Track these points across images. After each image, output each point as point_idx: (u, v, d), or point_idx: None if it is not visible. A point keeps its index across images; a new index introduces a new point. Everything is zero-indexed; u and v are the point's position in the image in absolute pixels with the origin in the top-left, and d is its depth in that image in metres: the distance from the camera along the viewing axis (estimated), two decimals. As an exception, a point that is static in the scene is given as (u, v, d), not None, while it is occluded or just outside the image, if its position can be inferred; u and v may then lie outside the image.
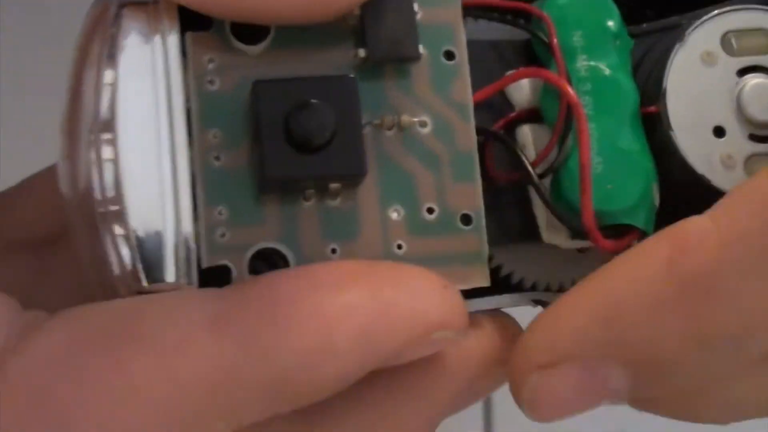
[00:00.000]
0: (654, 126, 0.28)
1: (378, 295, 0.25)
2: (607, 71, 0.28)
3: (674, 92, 0.27)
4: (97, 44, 0.26)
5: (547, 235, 0.28)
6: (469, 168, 0.28)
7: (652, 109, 0.28)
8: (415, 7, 0.27)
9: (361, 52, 0.27)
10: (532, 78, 0.28)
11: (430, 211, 0.27)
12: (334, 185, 0.27)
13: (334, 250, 0.27)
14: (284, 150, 0.26)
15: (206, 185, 0.26)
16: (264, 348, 0.24)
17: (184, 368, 0.24)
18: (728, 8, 0.28)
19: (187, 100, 0.27)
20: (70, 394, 0.23)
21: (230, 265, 0.26)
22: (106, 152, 0.26)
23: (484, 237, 0.27)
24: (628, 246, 0.27)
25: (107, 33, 0.26)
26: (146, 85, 0.26)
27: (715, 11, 0.28)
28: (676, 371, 0.25)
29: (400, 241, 0.27)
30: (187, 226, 0.26)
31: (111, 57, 0.26)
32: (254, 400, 0.24)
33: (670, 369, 0.25)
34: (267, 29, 0.27)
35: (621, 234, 0.27)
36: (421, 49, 0.27)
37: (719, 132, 0.27)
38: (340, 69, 0.27)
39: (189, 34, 0.27)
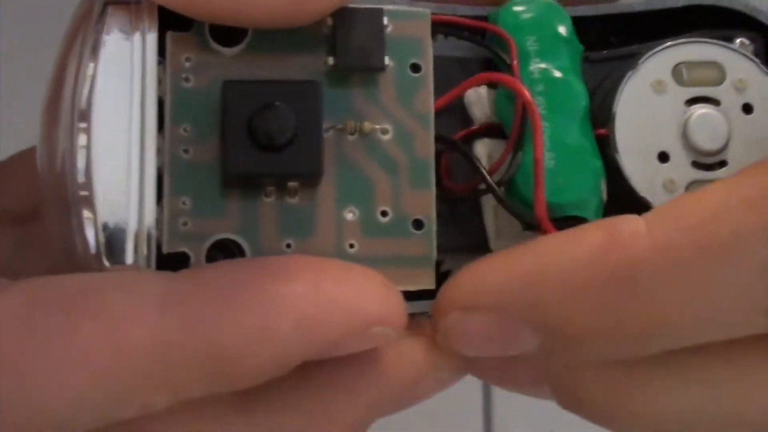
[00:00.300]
0: (603, 147, 0.29)
1: (321, 287, 0.26)
2: (559, 73, 0.29)
3: (623, 117, 0.29)
4: (81, 39, 0.28)
5: (494, 244, 0.29)
6: (425, 175, 0.29)
7: (602, 131, 0.29)
8: (385, 20, 0.29)
9: (330, 60, 0.29)
10: (489, 84, 0.29)
11: (384, 214, 0.29)
12: (292, 183, 0.28)
13: (289, 245, 0.28)
14: (246, 147, 0.27)
15: (173, 176, 0.28)
16: (207, 326, 0.25)
17: (129, 338, 0.25)
18: (682, 40, 0.29)
19: (163, 95, 0.28)
20: (19, 350, 0.25)
21: (189, 252, 0.28)
22: (81, 140, 0.27)
23: (434, 242, 0.29)
24: None
25: (91, 29, 0.28)
26: (123, 80, 0.27)
27: (669, 42, 0.29)
28: (581, 350, 0.27)
29: (352, 241, 0.29)
30: (150, 214, 0.27)
31: (93, 51, 0.27)
32: (193, 376, 0.25)
33: (576, 346, 0.27)
34: (244, 33, 0.28)
35: (571, 226, 0.28)
36: (388, 60, 0.29)
37: (663, 157, 0.29)
38: (310, 74, 0.29)
39: (169, 34, 0.28)
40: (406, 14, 0.29)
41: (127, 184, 0.27)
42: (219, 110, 0.28)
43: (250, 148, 0.27)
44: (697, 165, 0.29)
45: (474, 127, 0.30)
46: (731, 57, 0.29)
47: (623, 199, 0.29)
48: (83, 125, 0.27)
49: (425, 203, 0.29)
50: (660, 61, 0.29)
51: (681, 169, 0.29)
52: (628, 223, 0.26)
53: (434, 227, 0.29)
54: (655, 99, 0.29)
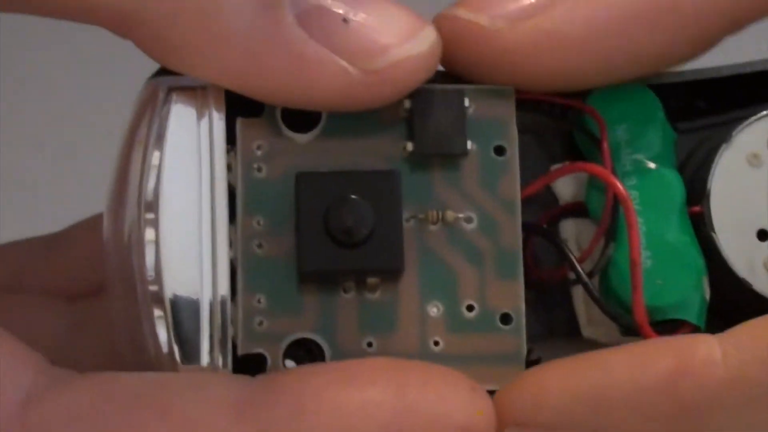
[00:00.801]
0: (698, 226, 0.27)
1: (403, 394, 0.25)
2: (653, 164, 0.28)
3: (718, 193, 0.27)
4: (145, 126, 0.27)
5: (587, 331, 0.28)
6: (513, 266, 0.27)
7: (696, 209, 0.27)
8: (466, 101, 0.27)
9: (409, 146, 0.27)
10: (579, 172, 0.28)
11: (470, 308, 0.27)
12: (372, 279, 0.27)
13: (370, 344, 0.27)
14: (323, 243, 0.26)
15: (246, 272, 0.27)
16: None
17: None
18: None
19: (234, 185, 0.27)
20: None
21: (265, 353, 0.27)
22: (149, 233, 0.26)
23: (523, 338, 0.27)
24: None
25: (156, 115, 0.27)
26: (191, 169, 0.27)
27: (763, 112, 0.28)
28: None
29: (437, 338, 0.27)
30: (225, 312, 0.26)
31: (158, 139, 0.27)
32: None
33: None
34: (318, 118, 0.27)
35: (673, 329, 0.27)
36: (471, 144, 0.27)
37: (763, 235, 0.27)
38: (388, 160, 0.27)
39: (239, 120, 0.27)
40: (489, 92, 0.28)
41: (200, 279, 0.26)
42: (293, 203, 0.27)
43: (327, 244, 0.26)
44: None
45: (557, 208, 0.29)
46: None
47: (722, 281, 0.27)
48: (150, 216, 0.26)
49: (513, 296, 0.27)
50: (754, 133, 0.28)
51: None
52: (702, 347, 0.25)
53: (523, 321, 0.27)
54: (750, 173, 0.28)
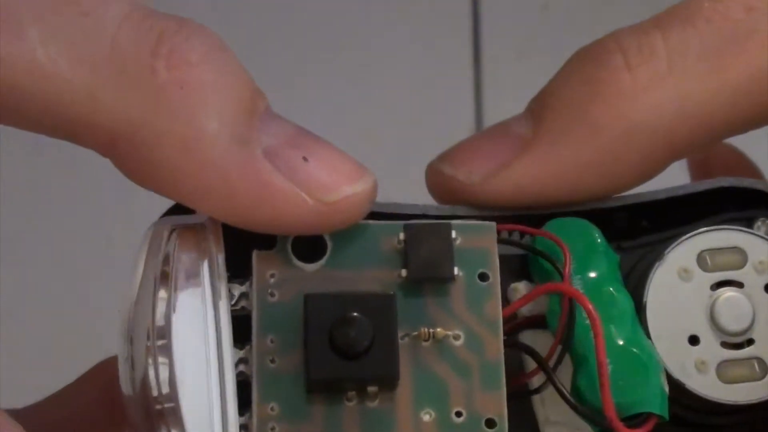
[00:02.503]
0: None
1: None
2: (600, 281, 0.32)
3: (653, 305, 0.32)
4: (152, 263, 0.31)
5: (544, 429, 0.32)
6: (496, 377, 0.31)
7: None
8: (453, 233, 0.31)
9: (403, 272, 0.31)
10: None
11: (459, 414, 0.31)
12: (371, 388, 0.30)
13: None
14: (328, 355, 0.30)
15: (260, 384, 0.30)
16: None
17: None
18: (704, 229, 0.32)
19: (249, 309, 0.31)
20: None
21: None
22: (161, 358, 0.30)
23: None
24: (649, 431, 0.30)
25: (161, 253, 0.30)
26: (197, 300, 0.30)
27: (693, 232, 0.32)
28: None
29: None
30: (233, 427, 0.30)
31: (165, 275, 0.30)
32: None
33: None
34: (324, 250, 0.31)
35: (641, 422, 0.31)
36: (458, 270, 0.31)
37: (694, 340, 0.31)
38: (385, 286, 0.31)
39: (255, 253, 0.31)
40: (473, 228, 0.32)
41: (209, 399, 0.30)
42: (302, 321, 0.30)
43: (332, 356, 0.30)
44: (726, 345, 0.32)
45: (518, 321, 0.32)
46: (751, 241, 0.32)
47: None
48: (162, 342, 0.30)
49: (497, 403, 0.31)
50: (685, 250, 0.32)
51: (711, 350, 0.31)
52: None
53: (506, 425, 0.31)
54: (682, 285, 0.32)
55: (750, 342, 0.32)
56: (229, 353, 0.30)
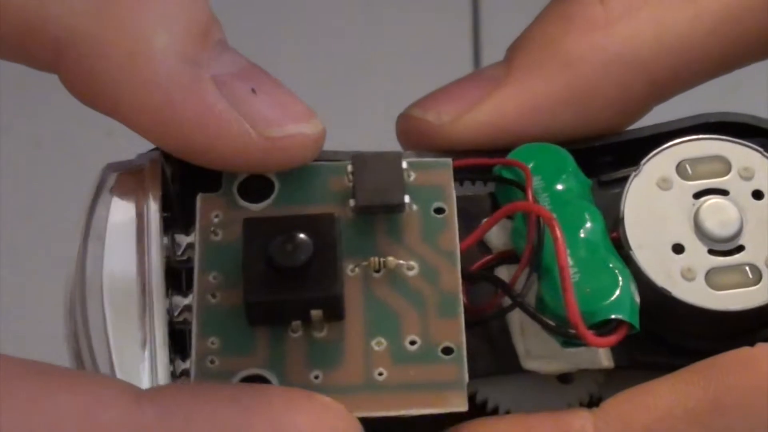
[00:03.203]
0: (619, 251, 0.29)
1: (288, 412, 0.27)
2: (568, 197, 0.30)
3: (631, 216, 0.29)
4: (92, 210, 0.30)
5: (525, 363, 0.30)
6: (453, 306, 0.29)
7: (614, 235, 0.29)
8: (405, 164, 0.30)
9: (351, 202, 0.30)
10: (506, 217, 0.30)
11: (413, 342, 0.29)
12: (315, 313, 0.29)
13: (317, 377, 0.29)
14: (266, 277, 0.28)
15: (201, 319, 0.29)
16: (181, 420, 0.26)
17: (103, 415, 0.26)
18: (682, 139, 0.30)
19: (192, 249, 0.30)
20: None
21: None
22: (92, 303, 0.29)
23: (464, 365, 0.29)
24: (619, 340, 0.28)
25: (99, 199, 0.30)
26: (129, 244, 0.29)
27: (669, 143, 0.30)
28: None
29: (381, 369, 0.29)
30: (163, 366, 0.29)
31: (103, 221, 0.30)
32: None
33: None
34: (271, 190, 0.30)
35: (610, 330, 0.28)
36: (413, 205, 0.30)
37: (678, 249, 0.29)
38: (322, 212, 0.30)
39: (200, 195, 0.30)
40: (429, 164, 0.30)
41: (141, 345, 0.29)
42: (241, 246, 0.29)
43: (270, 278, 0.28)
44: (714, 252, 0.29)
45: (490, 256, 0.31)
46: (734, 149, 0.30)
47: (647, 294, 0.29)
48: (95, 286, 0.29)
49: (455, 332, 0.29)
50: (662, 160, 0.30)
51: (698, 258, 0.29)
52: (578, 421, 0.27)
53: (464, 352, 0.29)
54: (661, 195, 0.30)
55: (740, 249, 0.29)
56: (161, 295, 0.29)
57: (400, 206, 0.30)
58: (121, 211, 0.30)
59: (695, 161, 0.30)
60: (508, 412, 0.30)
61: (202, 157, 0.29)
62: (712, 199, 0.29)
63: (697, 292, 0.28)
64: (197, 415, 0.26)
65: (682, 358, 0.28)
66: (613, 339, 0.28)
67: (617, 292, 0.28)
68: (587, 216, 0.29)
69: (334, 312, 0.29)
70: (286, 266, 0.28)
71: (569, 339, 0.28)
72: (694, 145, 0.30)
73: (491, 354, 0.30)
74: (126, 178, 0.30)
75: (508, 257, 0.31)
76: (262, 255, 0.28)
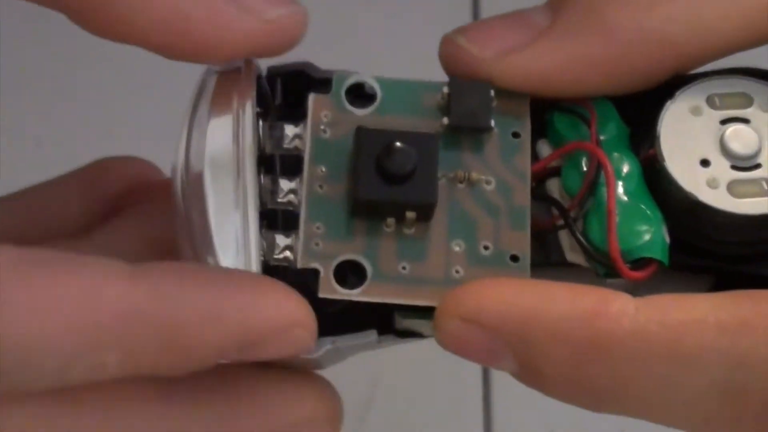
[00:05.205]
0: (654, 166, 0.35)
1: (259, 293, 0.31)
2: (610, 145, 0.35)
3: (666, 135, 0.35)
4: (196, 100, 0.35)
5: (570, 256, 0.35)
6: (522, 220, 0.34)
7: (651, 151, 0.35)
8: (491, 92, 0.35)
9: (445, 120, 0.35)
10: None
11: (486, 248, 0.34)
12: (410, 214, 0.34)
13: (404, 267, 0.34)
14: (374, 178, 0.33)
15: (309, 205, 0.34)
16: (170, 299, 0.30)
17: (101, 295, 0.29)
18: (714, 74, 0.35)
19: (303, 144, 0.35)
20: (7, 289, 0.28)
21: (319, 268, 0.33)
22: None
23: (528, 273, 0.34)
24: (651, 275, 0.34)
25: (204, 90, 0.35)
26: (227, 124, 0.34)
27: (703, 78, 0.35)
28: (547, 386, 0.32)
29: (458, 267, 0.33)
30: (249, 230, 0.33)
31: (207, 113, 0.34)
32: (148, 343, 0.29)
33: (544, 382, 0.32)
34: (374, 98, 0.35)
35: (642, 265, 0.34)
36: (495, 126, 0.35)
37: (705, 163, 0.34)
38: (425, 130, 0.35)
39: (311, 95, 0.35)
40: (510, 93, 0.35)
41: (235, 209, 0.33)
42: (352, 150, 0.34)
43: (378, 180, 0.33)
44: (735, 168, 0.34)
45: (546, 168, 0.36)
46: (758, 87, 0.35)
47: (675, 201, 0.34)
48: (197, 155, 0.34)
49: (522, 242, 0.34)
50: (695, 92, 0.35)
51: (722, 171, 0.34)
52: (620, 300, 0.31)
53: (528, 261, 0.34)
54: (693, 119, 0.35)
55: (758, 166, 0.34)
56: (253, 174, 0.33)
57: (487, 129, 0.35)
58: (218, 110, 0.34)
59: (723, 95, 0.35)
60: None
61: (217, 53, 0.32)
62: (737, 125, 0.35)
63: (720, 198, 0.34)
64: (181, 294, 0.30)
65: (712, 261, 0.34)
66: (645, 273, 0.33)
67: (651, 235, 0.34)
68: (627, 165, 0.35)
69: (426, 215, 0.34)
70: (394, 172, 0.33)
71: (609, 271, 0.33)
72: (723, 81, 0.35)
73: (538, 247, 0.35)
74: (224, 78, 0.34)
75: (553, 172, 0.36)
76: (372, 160, 0.33)
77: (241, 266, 0.32)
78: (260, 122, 0.35)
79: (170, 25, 0.31)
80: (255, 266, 0.32)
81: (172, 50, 0.32)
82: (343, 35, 0.69)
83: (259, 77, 0.35)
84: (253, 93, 0.34)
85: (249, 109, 0.33)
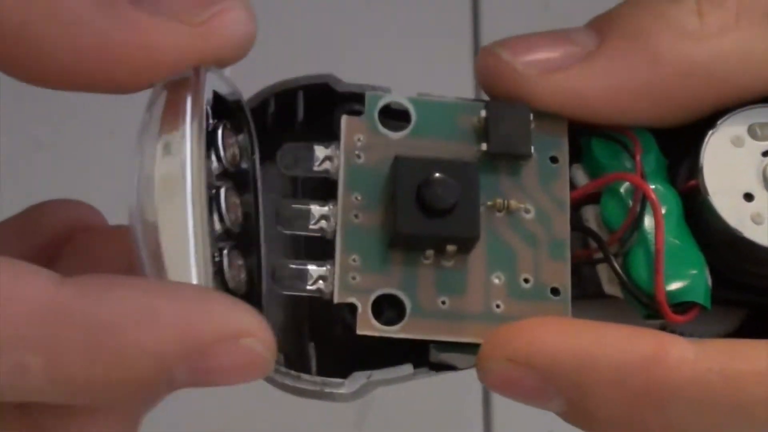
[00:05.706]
0: (695, 198, 0.34)
1: (204, 301, 0.29)
2: (649, 178, 0.34)
3: (709, 167, 0.34)
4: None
5: (608, 288, 0.34)
6: (562, 251, 0.33)
7: (693, 182, 0.34)
8: (531, 116, 0.33)
9: (483, 146, 0.33)
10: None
11: (527, 280, 0.33)
12: (450, 247, 0.32)
13: (444, 302, 0.33)
14: (414, 211, 0.32)
15: (344, 236, 0.33)
16: (97, 298, 0.28)
17: (25, 292, 0.28)
18: (755, 105, 0.35)
19: (336, 170, 0.33)
20: None
21: (356, 303, 0.32)
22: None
23: (569, 307, 0.33)
24: (693, 318, 0.33)
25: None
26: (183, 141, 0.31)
27: (743, 108, 0.35)
28: (596, 430, 0.31)
29: (498, 302, 0.33)
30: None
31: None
32: (74, 345, 0.28)
33: (594, 426, 0.31)
34: (408, 121, 0.34)
35: (684, 310, 0.33)
36: (532, 150, 0.34)
37: (749, 197, 0.34)
38: (464, 158, 0.33)
39: (344, 117, 0.34)
40: (547, 116, 0.34)
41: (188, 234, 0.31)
42: (390, 180, 0.32)
43: (418, 213, 0.32)
44: None
45: (588, 193, 0.35)
46: None
47: (715, 234, 0.34)
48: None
49: (562, 274, 0.33)
50: (736, 122, 0.34)
51: (766, 205, 0.34)
52: (679, 346, 0.30)
53: (569, 295, 0.33)
54: (734, 151, 0.34)
55: None
56: (201, 187, 0.31)
57: (527, 156, 0.33)
58: (165, 128, 0.31)
59: (764, 125, 0.34)
60: None
61: (151, 70, 0.31)
62: None
63: (765, 235, 0.33)
64: (110, 294, 0.28)
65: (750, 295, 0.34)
66: (688, 317, 0.33)
67: (696, 278, 0.33)
68: (669, 199, 0.34)
69: (467, 248, 0.33)
70: (436, 206, 0.32)
71: (653, 313, 0.33)
72: (763, 111, 0.35)
73: (576, 279, 0.34)
74: (171, 91, 0.31)
75: (594, 199, 0.35)
76: (412, 192, 0.32)
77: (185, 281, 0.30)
78: (219, 131, 0.32)
79: (98, 53, 0.30)
80: (200, 281, 0.30)
81: (109, 85, 0.31)
82: (343, 35, 0.68)
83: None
84: (202, 104, 0.31)
85: (196, 125, 0.31)
